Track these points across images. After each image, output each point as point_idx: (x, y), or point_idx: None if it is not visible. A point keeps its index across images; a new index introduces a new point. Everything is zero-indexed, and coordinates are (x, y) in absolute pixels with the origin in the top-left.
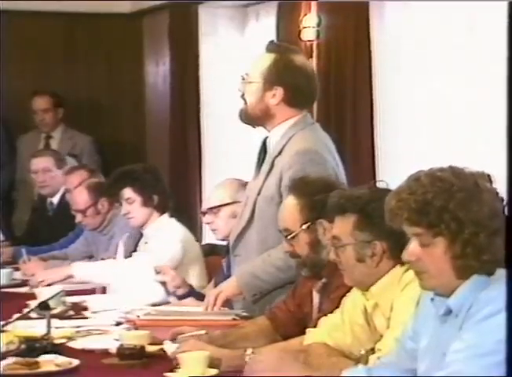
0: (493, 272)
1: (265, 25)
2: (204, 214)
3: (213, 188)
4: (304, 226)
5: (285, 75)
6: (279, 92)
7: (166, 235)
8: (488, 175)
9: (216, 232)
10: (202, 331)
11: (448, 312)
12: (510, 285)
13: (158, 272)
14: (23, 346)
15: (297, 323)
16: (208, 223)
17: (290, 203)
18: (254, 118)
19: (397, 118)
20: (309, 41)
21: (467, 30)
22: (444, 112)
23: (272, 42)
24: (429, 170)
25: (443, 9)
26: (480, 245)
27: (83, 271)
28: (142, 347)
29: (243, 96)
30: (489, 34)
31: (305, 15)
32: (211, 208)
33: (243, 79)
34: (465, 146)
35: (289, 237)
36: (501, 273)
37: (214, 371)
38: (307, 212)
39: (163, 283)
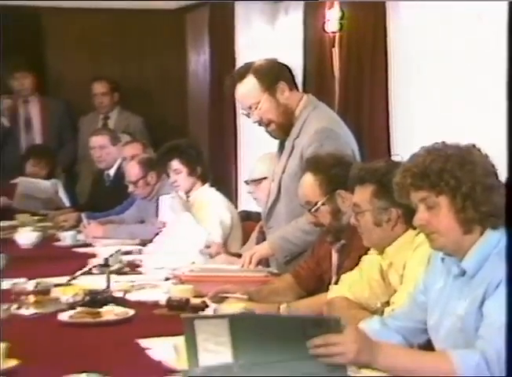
0: (496, 226)
1: (293, 18)
2: (247, 183)
3: (255, 162)
4: (324, 198)
5: (272, 73)
6: (281, 85)
7: (213, 205)
8: (477, 146)
9: (257, 200)
10: (244, 296)
11: (462, 273)
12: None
13: (207, 246)
14: (87, 298)
15: (317, 279)
16: (250, 192)
17: (310, 179)
18: (284, 125)
19: (410, 103)
20: (333, 32)
21: (475, 19)
22: (454, 98)
23: (231, 76)
24: (425, 146)
25: (453, 6)
26: (477, 198)
27: None
28: (187, 299)
29: (260, 123)
30: (498, 26)
31: (330, 9)
32: (254, 180)
33: (248, 114)
34: (475, 136)
35: (312, 210)
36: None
37: None
38: (325, 186)
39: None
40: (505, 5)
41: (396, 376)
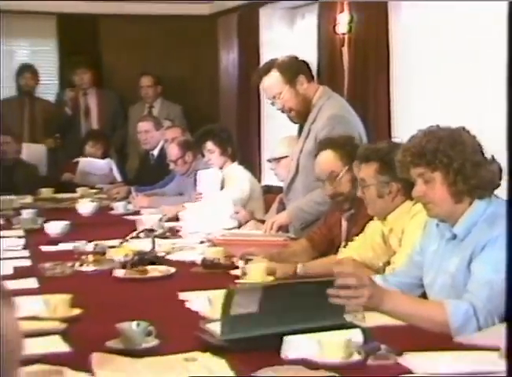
0: (483, 196)
1: (308, 22)
2: (270, 161)
3: (276, 143)
4: (346, 168)
5: (292, 68)
6: (300, 78)
7: (238, 178)
8: (466, 129)
9: (277, 176)
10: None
11: (454, 237)
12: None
13: (236, 212)
14: (136, 258)
15: (328, 243)
16: (272, 169)
17: (331, 154)
18: (302, 112)
19: (409, 94)
20: (343, 34)
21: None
22: (449, 89)
23: (258, 71)
24: (421, 129)
25: (453, 6)
26: (467, 173)
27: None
28: (219, 260)
29: (283, 110)
30: (498, 26)
31: (340, 13)
32: (275, 159)
33: (273, 102)
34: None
35: (338, 178)
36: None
37: (271, 278)
38: (346, 158)
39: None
40: (505, 5)
41: (396, 319)
